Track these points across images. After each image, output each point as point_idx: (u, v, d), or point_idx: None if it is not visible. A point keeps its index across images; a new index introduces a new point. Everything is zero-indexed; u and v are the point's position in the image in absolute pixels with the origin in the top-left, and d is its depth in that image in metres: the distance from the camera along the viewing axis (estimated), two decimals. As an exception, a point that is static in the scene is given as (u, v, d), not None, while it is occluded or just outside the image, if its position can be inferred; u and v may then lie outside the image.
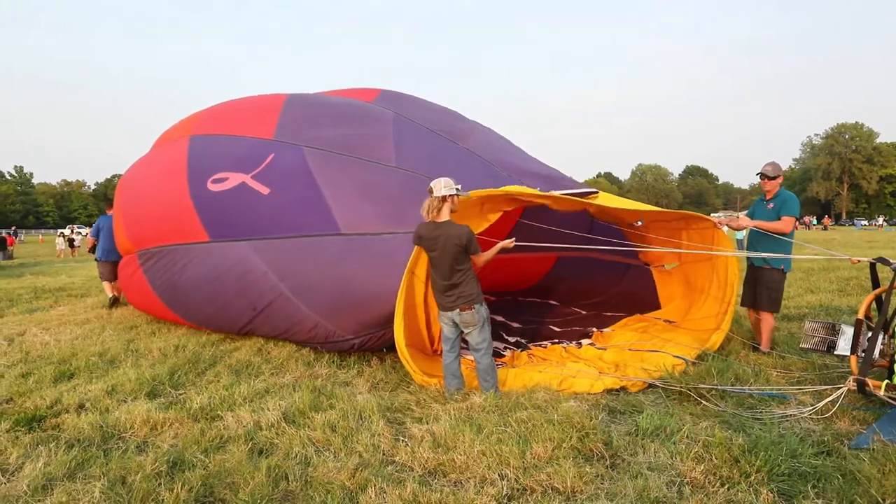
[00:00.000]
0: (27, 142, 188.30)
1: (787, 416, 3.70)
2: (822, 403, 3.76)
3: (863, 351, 4.06)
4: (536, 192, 5.00)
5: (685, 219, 5.94)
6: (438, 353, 5.07)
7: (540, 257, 8.37)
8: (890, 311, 4.12)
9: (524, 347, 5.79)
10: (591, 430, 3.34)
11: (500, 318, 6.92)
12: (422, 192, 4.22)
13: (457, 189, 4.13)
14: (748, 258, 5.41)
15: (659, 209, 5.81)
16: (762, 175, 5.35)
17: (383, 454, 3.27)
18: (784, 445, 3.07)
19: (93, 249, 8.97)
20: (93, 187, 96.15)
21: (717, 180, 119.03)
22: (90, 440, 3.50)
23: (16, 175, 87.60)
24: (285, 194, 5.56)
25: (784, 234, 5.12)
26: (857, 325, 4.15)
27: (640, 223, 6.31)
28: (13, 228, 46.88)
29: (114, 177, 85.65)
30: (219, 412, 3.91)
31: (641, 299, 7.11)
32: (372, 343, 5.13)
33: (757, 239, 5.27)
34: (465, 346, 4.42)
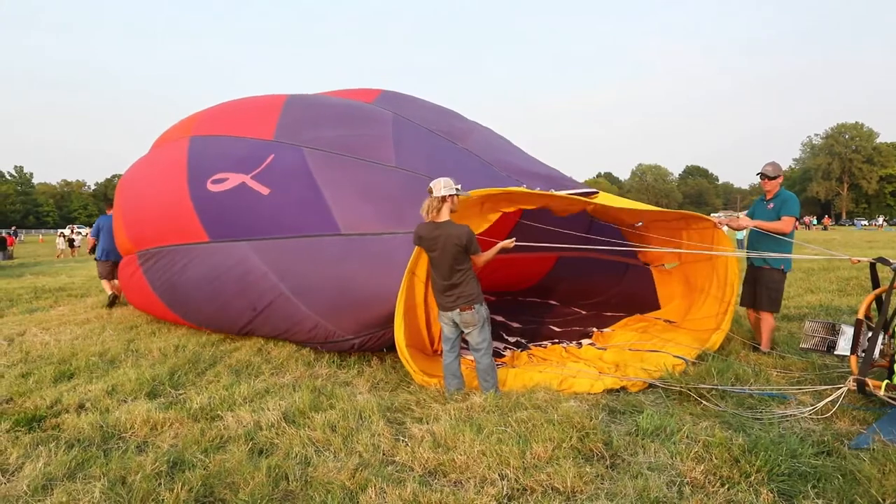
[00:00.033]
0: (27, 142, 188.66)
1: (787, 416, 3.70)
2: (822, 403, 3.76)
3: (863, 351, 4.06)
4: (537, 192, 5.00)
5: (685, 219, 5.94)
6: (438, 353, 5.07)
7: (540, 257, 8.37)
8: (890, 311, 4.12)
9: (524, 347, 5.79)
10: (592, 430, 3.34)
11: (500, 318, 6.92)
12: (421, 193, 4.22)
13: (456, 189, 4.13)
14: (748, 258, 5.41)
15: (659, 209, 5.82)
16: (762, 175, 5.35)
17: (383, 454, 3.27)
18: (784, 445, 3.07)
19: (93, 250, 8.99)
20: (93, 187, 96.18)
21: (717, 180, 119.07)
22: (90, 440, 3.50)
23: (16, 175, 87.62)
24: (285, 195, 5.56)
25: (784, 234, 5.12)
26: (857, 325, 4.15)
27: (639, 224, 6.31)
28: (13, 228, 46.88)
29: (114, 177, 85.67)
30: (219, 412, 3.91)
31: (641, 299, 7.11)
32: (372, 343, 5.13)
33: (757, 239, 5.27)
34: (465, 346, 4.42)
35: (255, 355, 5.42)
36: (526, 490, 2.82)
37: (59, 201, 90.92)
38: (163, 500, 2.75)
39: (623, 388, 4.38)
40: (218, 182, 5.95)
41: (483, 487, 2.83)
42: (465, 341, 4.32)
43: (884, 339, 4.06)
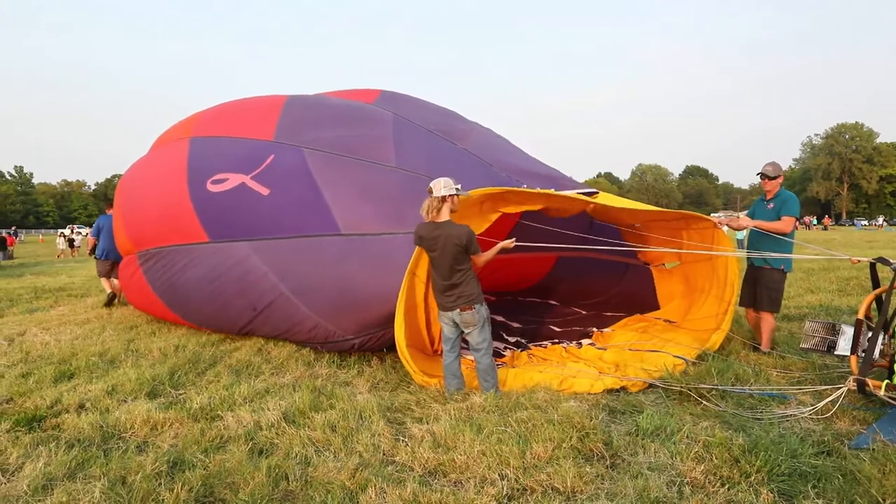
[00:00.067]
0: (27, 142, 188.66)
1: (787, 416, 3.70)
2: (822, 403, 3.76)
3: (863, 351, 4.06)
4: (537, 190, 5.00)
5: (685, 219, 5.94)
6: (438, 353, 5.07)
7: (540, 257, 8.37)
8: (890, 311, 4.12)
9: (524, 347, 5.79)
10: (592, 430, 3.34)
11: (500, 318, 6.92)
12: (421, 193, 4.22)
13: (456, 189, 4.13)
14: (748, 258, 5.40)
15: (659, 209, 5.81)
16: (762, 175, 5.35)
17: (383, 454, 3.27)
18: (784, 445, 3.07)
19: (94, 250, 9.02)
20: (93, 187, 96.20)
21: (718, 180, 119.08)
22: (90, 440, 3.50)
23: (16, 175, 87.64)
24: (285, 195, 5.56)
25: (784, 234, 5.12)
26: (858, 325, 4.15)
27: (637, 225, 6.31)
28: (13, 228, 46.91)
29: (114, 177, 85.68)
30: (219, 412, 3.91)
31: (641, 299, 7.11)
32: (372, 343, 5.13)
33: (757, 239, 5.27)
34: (465, 346, 4.42)
35: (255, 355, 5.42)
36: (526, 490, 2.82)
37: (60, 201, 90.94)
38: (163, 499, 2.75)
39: (623, 388, 4.38)
40: (218, 182, 5.95)
41: (483, 487, 2.83)
42: (466, 341, 4.32)
43: (884, 339, 4.06)
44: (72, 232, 34.79)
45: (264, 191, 5.64)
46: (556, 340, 6.01)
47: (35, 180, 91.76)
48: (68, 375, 4.90)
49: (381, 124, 6.12)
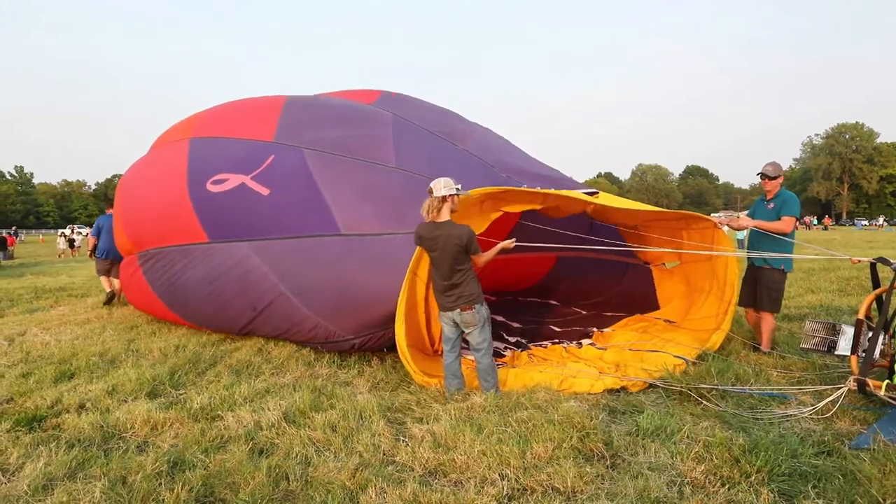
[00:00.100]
0: (27, 142, 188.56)
1: (787, 416, 3.70)
2: (822, 403, 3.75)
3: (863, 351, 4.06)
4: (536, 190, 5.00)
5: (685, 219, 5.94)
6: (439, 353, 5.07)
7: (540, 257, 8.37)
8: (890, 311, 4.12)
9: (524, 347, 5.79)
10: (592, 430, 3.34)
11: (500, 318, 6.92)
12: (421, 193, 4.22)
13: (457, 189, 4.13)
14: (748, 258, 5.40)
15: (659, 209, 5.81)
16: (763, 175, 5.35)
17: (384, 454, 3.27)
18: (784, 445, 3.07)
19: (94, 249, 9.06)
20: (93, 187, 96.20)
21: (718, 180, 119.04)
22: (91, 440, 3.50)
23: (16, 175, 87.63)
24: (285, 195, 5.56)
25: (785, 234, 5.12)
26: (858, 325, 4.15)
27: (638, 225, 6.31)
28: (14, 228, 46.97)
29: (114, 177, 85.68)
30: (219, 412, 3.91)
31: (641, 299, 7.11)
32: (372, 343, 5.13)
33: (757, 239, 5.27)
34: (465, 346, 4.42)
35: (255, 355, 5.42)
36: (526, 490, 2.82)
37: (60, 201, 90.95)
38: (163, 499, 2.75)
39: (623, 388, 4.38)
40: (218, 183, 5.95)
41: (483, 487, 2.83)
42: (466, 341, 4.32)
43: (884, 339, 4.06)
44: (72, 232, 34.81)
45: (264, 191, 5.64)
46: (557, 340, 6.01)
47: (35, 180, 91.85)
48: (68, 375, 4.90)
49: (381, 125, 6.12)
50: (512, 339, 6.13)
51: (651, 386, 4.36)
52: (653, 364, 4.79)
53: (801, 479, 2.85)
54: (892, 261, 4.18)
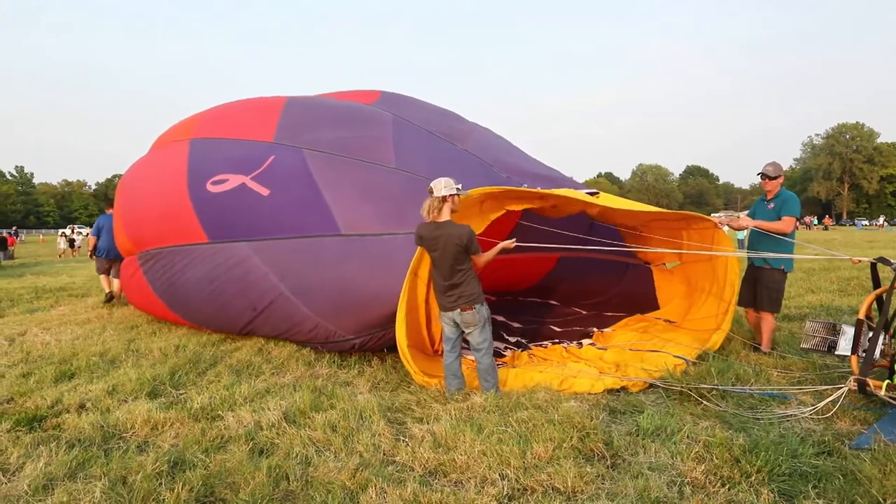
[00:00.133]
0: (27, 142, 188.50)
1: (787, 416, 3.70)
2: (822, 403, 3.75)
3: (863, 351, 4.06)
4: (536, 190, 5.00)
5: (685, 219, 5.94)
6: (439, 353, 5.07)
7: (540, 257, 8.36)
8: (891, 311, 4.12)
9: (525, 347, 5.79)
10: (592, 430, 3.34)
11: (500, 318, 6.92)
12: (422, 194, 4.22)
13: (457, 189, 4.13)
14: (748, 258, 5.40)
15: (659, 210, 5.80)
16: (763, 175, 5.35)
17: (384, 454, 3.27)
18: (785, 445, 3.07)
19: (94, 249, 9.10)
20: (93, 187, 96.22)
21: (718, 180, 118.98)
22: (91, 440, 3.51)
23: (16, 175, 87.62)
24: (285, 195, 5.57)
25: (785, 234, 5.12)
26: (858, 325, 4.15)
27: (638, 226, 6.31)
28: (14, 228, 47.02)
29: (114, 177, 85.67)
30: (219, 412, 3.91)
31: (642, 299, 7.11)
32: (373, 343, 5.13)
33: (758, 239, 5.27)
34: (465, 346, 4.42)
35: (255, 355, 5.42)
36: (526, 490, 2.82)
37: (60, 201, 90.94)
38: (163, 499, 2.75)
39: (623, 388, 4.38)
40: (218, 183, 5.95)
41: (483, 487, 2.83)
42: (466, 341, 4.32)
43: (884, 339, 4.06)
44: (72, 232, 34.84)
45: (264, 191, 5.64)
46: (557, 340, 6.01)
47: (36, 180, 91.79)
48: (69, 375, 4.90)
49: (380, 125, 6.12)
50: (512, 339, 6.13)
51: (651, 386, 4.36)
52: (653, 364, 4.79)
53: (802, 479, 2.85)
54: (892, 261, 4.17)
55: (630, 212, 5.51)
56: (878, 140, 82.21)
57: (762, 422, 3.60)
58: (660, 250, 5.95)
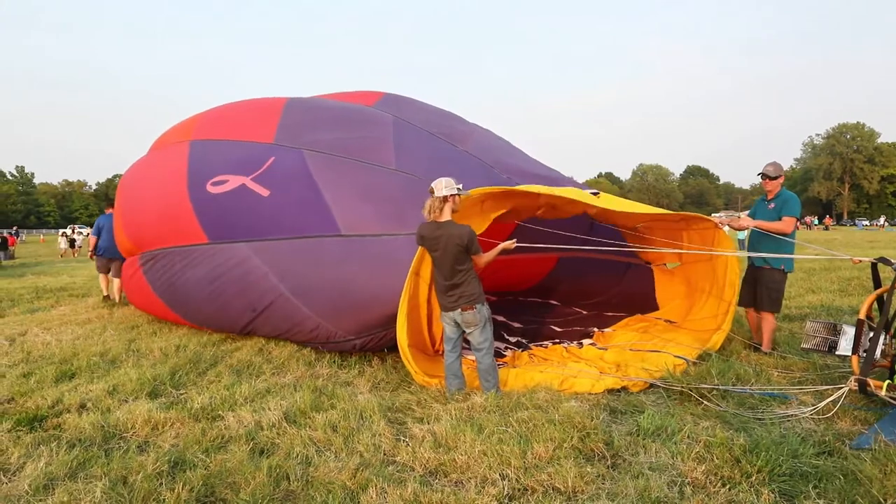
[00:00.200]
0: (28, 142, 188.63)
1: (788, 416, 3.70)
2: (823, 403, 3.75)
3: (864, 351, 4.05)
4: (539, 189, 5.00)
5: (686, 219, 5.94)
6: (440, 353, 5.07)
7: (541, 258, 8.37)
8: (891, 312, 4.11)
9: (525, 347, 5.79)
10: (593, 430, 3.34)
11: (501, 318, 6.92)
12: (421, 194, 4.23)
13: (458, 189, 4.13)
14: (748, 258, 5.40)
15: (660, 211, 5.80)
16: (763, 175, 5.35)
17: (384, 454, 3.27)
18: (785, 445, 3.07)
19: (95, 249, 9.14)
20: (94, 187, 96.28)
21: (718, 180, 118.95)
22: (91, 440, 3.51)
23: (17, 175, 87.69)
24: (285, 195, 5.57)
25: (785, 235, 5.12)
26: (859, 326, 4.14)
27: (640, 225, 6.31)
28: (14, 228, 47.06)
29: (115, 177, 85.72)
30: (220, 412, 3.91)
31: (642, 299, 7.11)
32: (373, 344, 5.14)
33: (758, 239, 5.27)
34: (466, 346, 4.42)
35: (256, 355, 5.42)
36: (527, 490, 2.82)
37: (61, 201, 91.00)
38: (164, 499, 2.75)
39: (624, 388, 4.38)
40: (218, 184, 5.96)
41: (484, 487, 2.83)
42: (467, 341, 4.33)
43: (885, 339, 4.05)
44: (73, 232, 34.86)
45: (264, 192, 5.64)
46: (557, 340, 6.01)
47: (36, 180, 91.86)
48: (69, 375, 4.90)
49: (381, 126, 6.13)
50: (513, 339, 6.13)
51: (652, 386, 4.36)
52: (653, 364, 4.79)
53: (802, 479, 2.85)
54: (892, 261, 4.17)
55: (630, 213, 5.51)
56: (879, 140, 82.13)
57: (763, 422, 3.60)
58: (660, 250, 5.95)
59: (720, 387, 4.15)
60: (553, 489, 2.81)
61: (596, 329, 6.40)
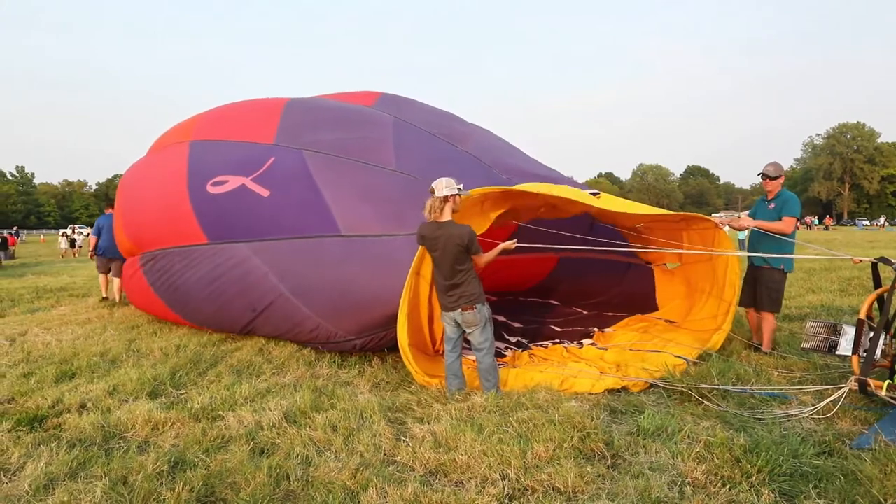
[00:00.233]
0: (28, 142, 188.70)
1: (788, 416, 3.70)
2: (823, 403, 3.75)
3: (864, 351, 4.05)
4: (540, 189, 4.99)
5: (686, 220, 5.94)
6: (440, 353, 5.07)
7: (541, 258, 8.37)
8: (891, 311, 4.11)
9: (525, 347, 5.79)
10: (593, 430, 3.34)
11: (501, 318, 6.92)
12: (421, 195, 4.23)
13: (458, 189, 4.13)
14: (748, 258, 5.40)
15: (660, 211, 5.80)
16: (764, 175, 5.35)
17: (384, 454, 3.27)
18: (785, 445, 3.07)
19: (95, 249, 9.16)
20: (94, 187, 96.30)
21: (719, 180, 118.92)
22: (92, 440, 3.51)
23: (17, 175, 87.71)
24: (285, 196, 5.57)
25: (785, 235, 5.12)
26: (859, 325, 4.14)
27: (640, 225, 6.31)
28: (15, 228, 47.06)
29: (115, 177, 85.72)
30: (220, 412, 3.91)
31: (642, 299, 7.11)
32: (374, 344, 5.13)
33: (758, 239, 5.27)
34: (466, 346, 4.42)
35: (256, 355, 5.42)
36: (527, 490, 2.82)
37: (61, 201, 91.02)
38: (164, 499, 2.75)
39: (624, 389, 4.37)
40: (218, 184, 5.96)
41: (484, 487, 2.83)
42: (468, 341, 4.33)
43: (885, 339, 4.05)
44: (73, 232, 34.87)
45: (264, 192, 5.64)
46: (558, 340, 6.01)
47: (36, 180, 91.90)
48: (70, 375, 4.90)
49: (380, 127, 6.13)
50: (513, 339, 6.13)
51: (652, 386, 4.36)
52: (654, 364, 4.79)
53: (803, 479, 2.85)
54: (893, 261, 4.17)
55: (630, 214, 5.51)
56: (879, 140, 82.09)
57: (763, 422, 3.60)
58: (660, 250, 5.95)
59: (720, 387, 4.15)
60: (553, 489, 2.81)
61: (596, 329, 6.40)
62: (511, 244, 4.24)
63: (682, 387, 4.16)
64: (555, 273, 8.74)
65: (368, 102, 6.93)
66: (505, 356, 5.47)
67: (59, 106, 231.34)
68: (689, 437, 3.33)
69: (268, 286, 5.38)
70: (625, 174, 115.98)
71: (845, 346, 4.27)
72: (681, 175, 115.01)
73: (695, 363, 4.80)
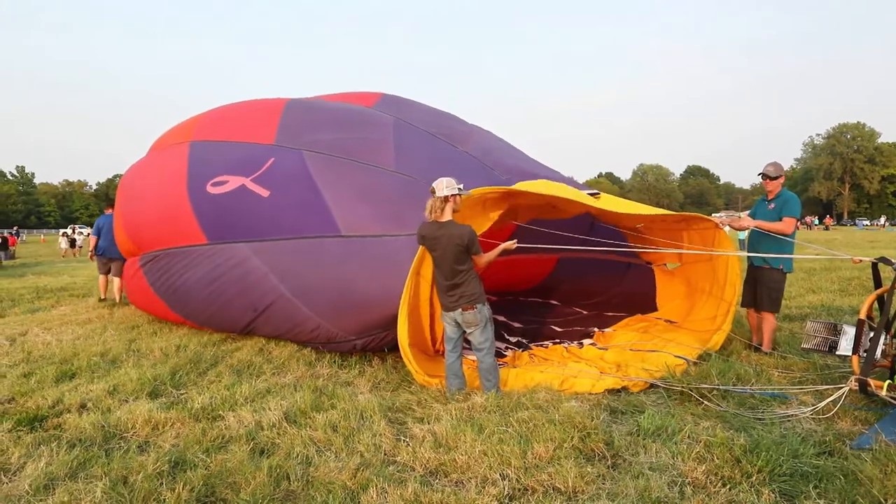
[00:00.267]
0: (28, 142, 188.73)
1: (788, 416, 3.70)
2: (823, 403, 3.75)
3: (864, 351, 4.05)
4: (540, 189, 4.99)
5: (686, 220, 5.94)
6: (440, 353, 5.07)
7: (541, 258, 8.37)
8: (892, 311, 4.11)
9: (525, 347, 5.79)
10: (593, 430, 3.34)
11: (501, 318, 6.92)
12: (421, 196, 4.23)
13: (459, 189, 4.13)
14: (748, 258, 5.40)
15: (661, 212, 5.79)
16: (764, 175, 5.35)
17: (385, 454, 3.27)
18: (786, 445, 3.07)
19: (95, 249, 9.17)
20: (94, 187, 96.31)
21: (719, 180, 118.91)
22: (92, 440, 3.51)
23: (17, 175, 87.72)
24: (285, 196, 5.57)
25: (785, 235, 5.12)
26: (859, 325, 4.14)
27: (640, 225, 6.31)
28: (15, 228, 47.07)
29: (115, 177, 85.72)
30: (220, 412, 3.91)
31: (642, 299, 7.11)
32: (374, 344, 5.14)
33: (758, 239, 5.27)
34: (467, 345, 4.42)
35: (256, 355, 5.42)
36: (527, 490, 2.82)
37: (61, 201, 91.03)
38: (164, 499, 2.75)
39: (624, 389, 4.37)
40: (217, 185, 5.96)
41: (484, 487, 2.83)
42: (468, 341, 4.33)
43: (885, 339, 4.05)
44: (73, 232, 34.88)
45: (264, 192, 5.65)
46: (558, 340, 6.01)
47: (36, 180, 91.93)
48: (70, 375, 4.90)
49: (381, 128, 6.12)
50: (513, 339, 6.13)
51: (652, 386, 4.36)
52: (654, 364, 4.79)
53: (803, 479, 2.85)
54: (893, 261, 4.17)
55: (630, 215, 5.50)
56: (879, 140, 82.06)
57: (763, 422, 3.60)
58: (661, 250, 5.95)
59: (720, 387, 4.15)
60: (553, 489, 2.81)
61: (596, 329, 6.40)
62: (511, 244, 4.25)
63: (683, 387, 4.16)
64: (555, 273, 8.74)
65: (369, 103, 6.93)
66: (505, 356, 5.47)
67: (59, 106, 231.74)
68: (689, 437, 3.33)
69: (268, 286, 5.38)
70: (625, 174, 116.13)
71: (845, 346, 4.27)
72: (681, 175, 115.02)
73: (695, 363, 4.80)
